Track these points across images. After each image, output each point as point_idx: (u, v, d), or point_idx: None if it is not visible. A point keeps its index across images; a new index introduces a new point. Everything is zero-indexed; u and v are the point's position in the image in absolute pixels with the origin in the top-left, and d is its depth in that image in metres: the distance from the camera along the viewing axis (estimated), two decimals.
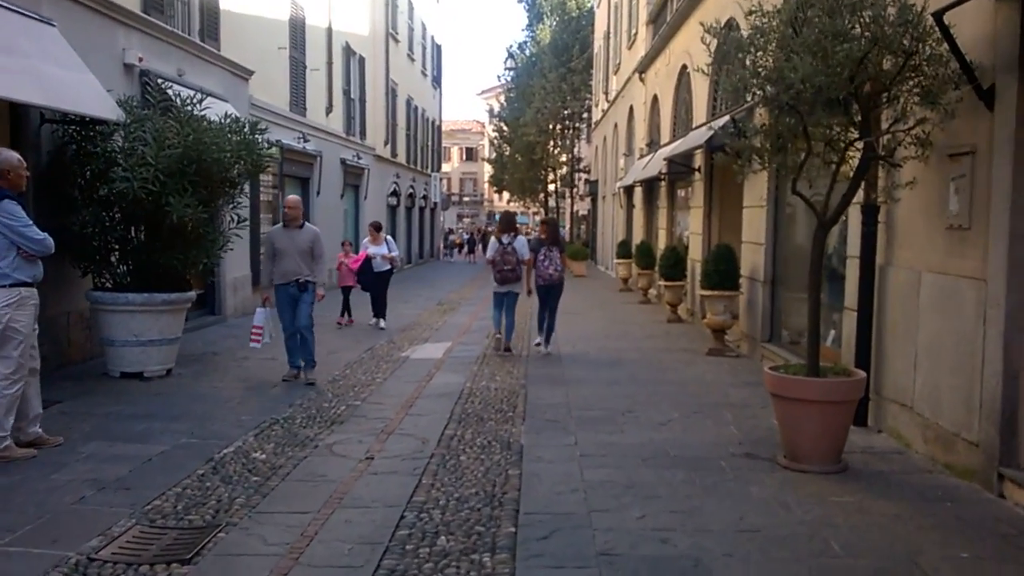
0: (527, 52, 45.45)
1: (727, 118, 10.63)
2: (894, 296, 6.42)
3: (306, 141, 17.07)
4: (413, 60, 31.53)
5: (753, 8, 5.60)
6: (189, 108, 8.70)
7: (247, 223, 10.26)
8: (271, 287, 8.51)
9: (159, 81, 10.52)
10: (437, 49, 38.39)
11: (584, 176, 43.42)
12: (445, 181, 77.89)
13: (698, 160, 13.93)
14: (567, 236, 46.11)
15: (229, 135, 8.67)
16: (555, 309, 10.74)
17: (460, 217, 74.54)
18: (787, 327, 9.98)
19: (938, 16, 4.95)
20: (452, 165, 79.23)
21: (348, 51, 21.15)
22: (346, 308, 13.37)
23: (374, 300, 13.14)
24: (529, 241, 10.80)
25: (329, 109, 19.49)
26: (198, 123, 8.25)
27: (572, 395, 7.93)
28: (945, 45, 5.04)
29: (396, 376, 9.02)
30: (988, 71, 5.08)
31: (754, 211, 10.46)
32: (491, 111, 54.29)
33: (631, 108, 23.54)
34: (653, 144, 19.57)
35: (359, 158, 22.12)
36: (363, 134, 22.98)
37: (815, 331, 5.59)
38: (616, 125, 27.26)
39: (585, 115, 42.03)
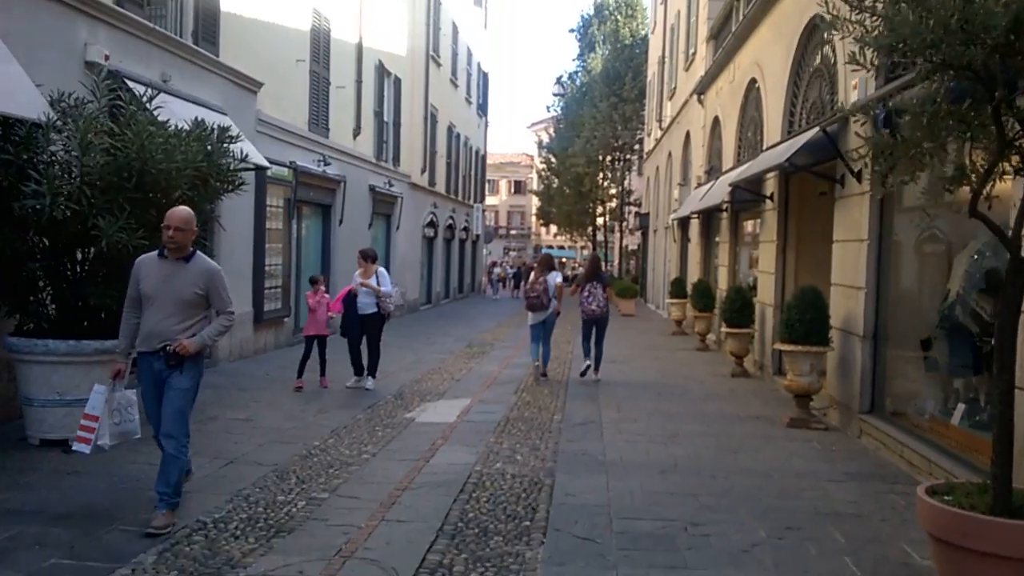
0: (578, 82, 43.98)
1: (813, 131, 8.58)
2: None
3: (327, 164, 15.45)
4: (456, 86, 30.07)
5: None
6: (135, 108, 6.94)
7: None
8: (128, 354, 5.27)
9: (133, 86, 8.89)
10: (483, 77, 36.98)
11: (634, 209, 41.48)
12: (493, 214, 76.98)
13: (770, 187, 11.86)
14: (615, 272, 44.16)
15: (190, 143, 6.89)
16: (601, 340, 11.39)
17: (506, 251, 73.03)
18: (892, 393, 7.81)
19: None
20: (500, 198, 78.16)
21: (382, 70, 19.64)
22: (304, 364, 9.95)
23: (359, 349, 10.08)
24: (575, 277, 11.98)
25: (357, 131, 17.91)
26: (142, 127, 6.48)
27: (614, 489, 5.88)
28: None
29: (389, 450, 7.07)
30: None
31: (850, 246, 8.34)
32: (540, 143, 53.05)
33: (687, 134, 21.56)
34: (713, 171, 17.52)
35: (391, 185, 20.49)
36: (397, 160, 21.39)
37: (1005, 437, 3.48)
38: (670, 153, 25.28)
39: (636, 146, 40.21)
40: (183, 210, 5.17)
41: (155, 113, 7.16)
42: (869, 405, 7.86)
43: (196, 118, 7.48)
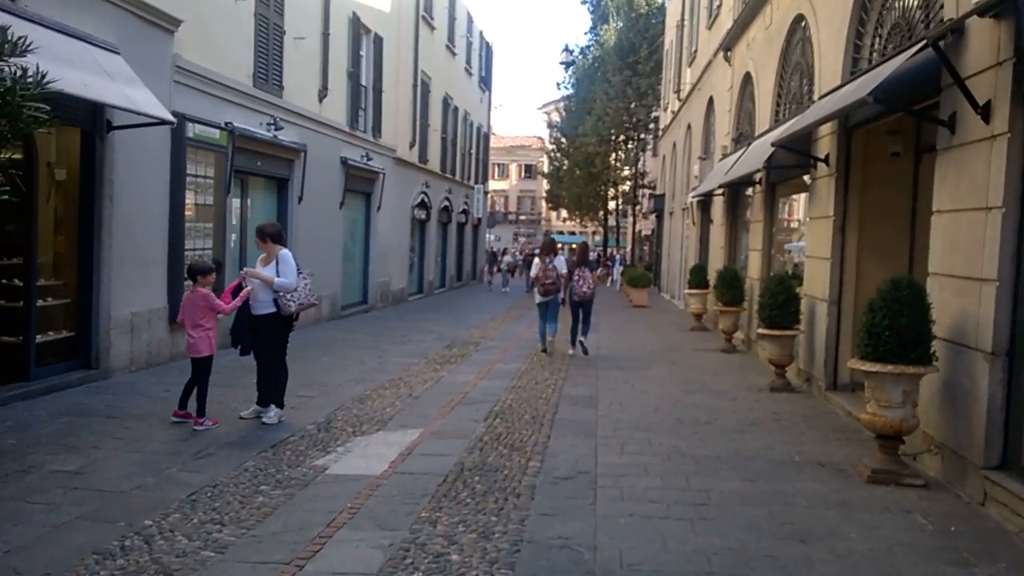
0: (590, 57, 41.12)
1: (911, 51, 5.90)
2: None
3: (278, 129, 12.84)
4: (454, 54, 27.36)
5: None
6: None
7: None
8: None
9: None
10: (486, 47, 34.21)
11: (648, 191, 38.73)
12: (502, 199, 74.32)
13: (824, 147, 9.18)
14: (628, 258, 41.51)
15: None
16: (588, 319, 12.33)
17: (516, 236, 70.39)
18: None
19: None
20: (510, 182, 75.64)
21: (357, 24, 16.97)
22: (189, 393, 7.13)
23: (259, 369, 7.37)
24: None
25: (324, 93, 15.27)
26: None
27: None
28: None
29: (254, 537, 4.49)
30: None
31: (965, 219, 5.64)
32: (550, 123, 50.20)
33: (710, 100, 18.83)
34: (743, 138, 14.79)
35: (369, 159, 17.85)
36: (378, 131, 18.74)
37: None
38: (689, 126, 22.52)
39: (651, 125, 37.41)
40: None
41: None
42: (999, 457, 5.20)
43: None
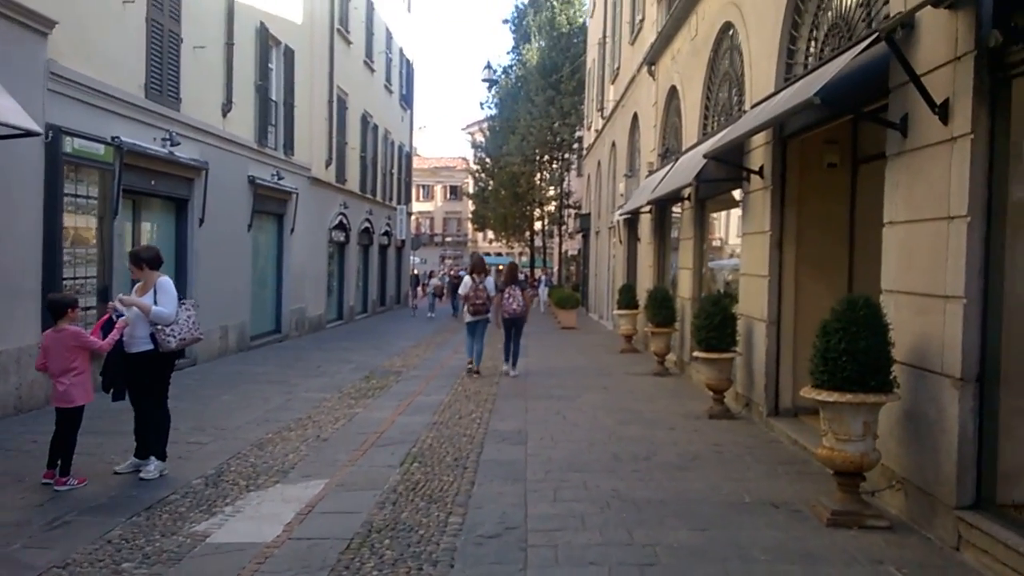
0: (512, 76, 40.83)
1: (860, 46, 5.41)
2: None
3: (174, 144, 11.76)
4: (373, 70, 26.49)
5: None
6: None
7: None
8: None
9: None
10: (407, 65, 33.44)
11: (574, 211, 38.51)
12: (428, 220, 73.40)
13: (758, 159, 8.73)
14: (555, 279, 41.19)
15: None
16: (519, 338, 12.45)
17: (443, 258, 69.47)
18: (1013, 474, 4.66)
19: None
20: (435, 204, 75.01)
21: (265, 35, 16.00)
22: (59, 450, 5.99)
23: (136, 416, 6.42)
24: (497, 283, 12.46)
25: (228, 107, 14.23)
26: None
27: None
28: None
29: None
30: None
31: (924, 229, 5.13)
32: (474, 143, 49.68)
33: (634, 116, 18.51)
34: (669, 153, 14.41)
35: (280, 178, 16.81)
36: (290, 148, 17.72)
37: None
38: (614, 143, 22.23)
39: (575, 145, 37.27)
40: None
41: None
42: (972, 495, 4.66)
43: None
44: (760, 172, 8.63)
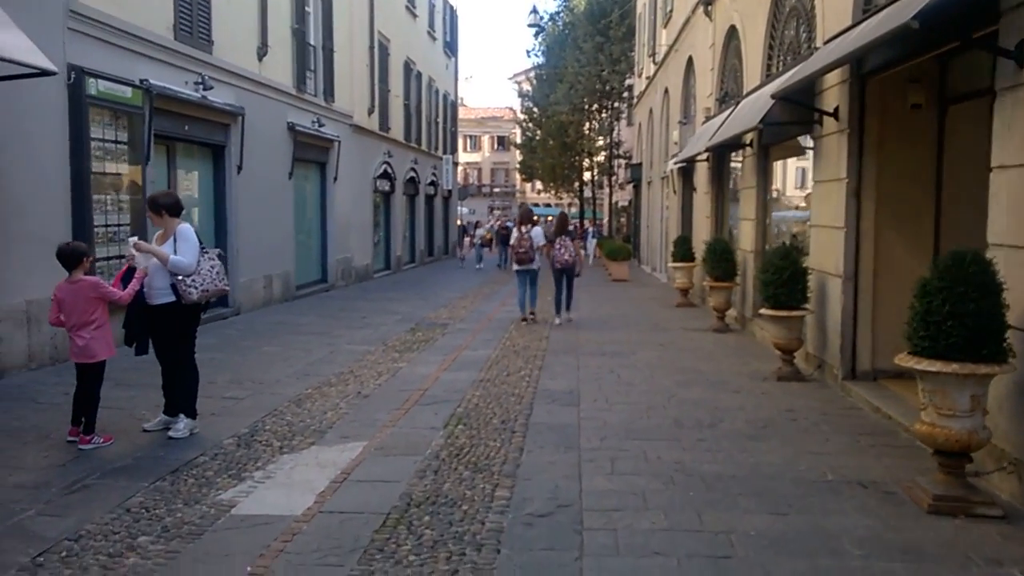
0: (560, 23, 39.47)
1: None
2: None
3: (207, 88, 11.29)
4: (415, 16, 25.69)
5: None
6: None
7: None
8: None
9: None
10: (451, 11, 32.50)
11: (624, 161, 37.40)
12: (476, 171, 72.56)
13: (832, 99, 7.91)
14: (605, 230, 40.34)
15: None
16: (571, 286, 12.51)
17: (491, 209, 68.74)
18: None
19: None
20: (483, 154, 74.09)
21: None
22: (83, 406, 5.65)
23: (163, 372, 6.05)
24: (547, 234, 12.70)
25: (263, 51, 13.70)
26: None
27: None
28: None
29: None
30: None
31: None
32: (521, 93, 48.49)
33: (689, 60, 17.50)
34: (728, 97, 13.51)
35: (321, 125, 16.31)
36: (330, 95, 17.17)
37: None
38: (667, 90, 21.20)
39: (625, 93, 35.96)
40: None
41: None
42: None
43: None
44: (835, 114, 7.81)
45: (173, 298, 5.73)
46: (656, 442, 5.77)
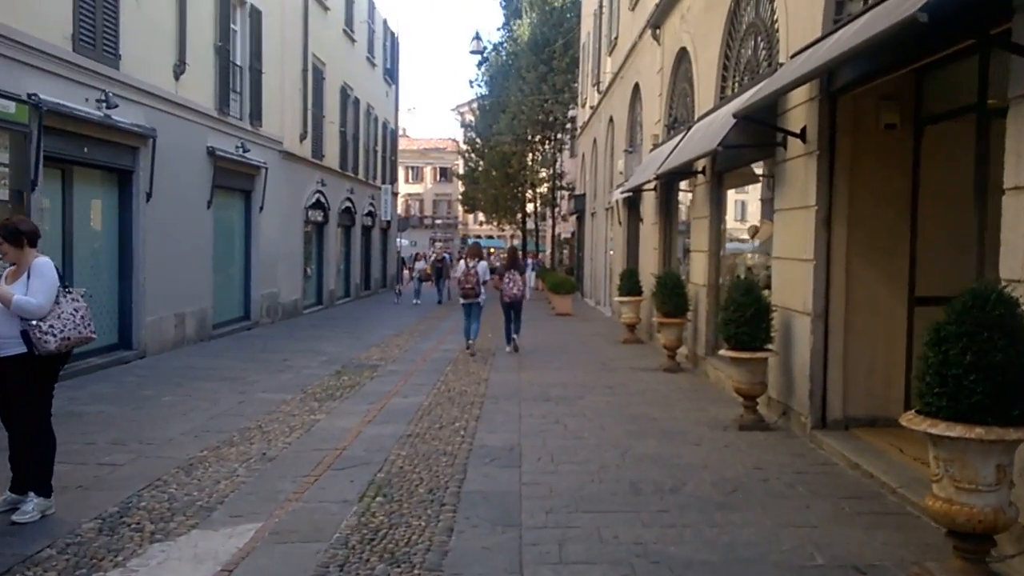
0: (503, 53, 39.13)
1: None
2: None
3: (111, 107, 10.16)
4: (353, 41, 24.80)
5: None
6: None
7: None
8: None
9: None
10: (392, 38, 31.74)
11: (567, 192, 36.95)
12: (417, 202, 71.61)
13: (798, 119, 7.24)
14: (548, 263, 39.75)
15: None
16: (519, 317, 13.05)
17: (432, 241, 67.81)
18: None
19: None
20: (425, 186, 73.50)
21: None
22: None
23: (10, 439, 4.91)
24: (496, 267, 14.83)
25: (181, 68, 12.60)
26: None
27: None
28: None
29: None
30: None
31: None
32: (464, 123, 47.94)
33: (636, 86, 16.97)
34: (677, 123, 12.90)
35: (245, 150, 15.21)
36: (256, 119, 16.09)
37: None
38: (611, 119, 20.69)
39: (568, 125, 35.61)
40: None
41: None
42: None
43: None
44: (802, 135, 7.14)
45: (24, 349, 4.63)
46: (611, 515, 4.85)
